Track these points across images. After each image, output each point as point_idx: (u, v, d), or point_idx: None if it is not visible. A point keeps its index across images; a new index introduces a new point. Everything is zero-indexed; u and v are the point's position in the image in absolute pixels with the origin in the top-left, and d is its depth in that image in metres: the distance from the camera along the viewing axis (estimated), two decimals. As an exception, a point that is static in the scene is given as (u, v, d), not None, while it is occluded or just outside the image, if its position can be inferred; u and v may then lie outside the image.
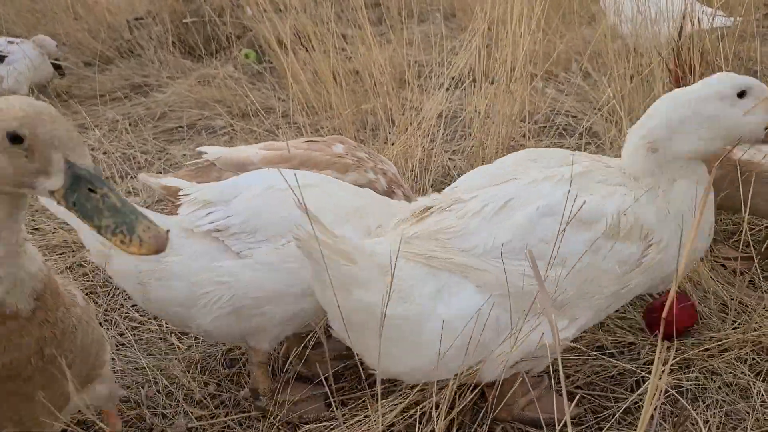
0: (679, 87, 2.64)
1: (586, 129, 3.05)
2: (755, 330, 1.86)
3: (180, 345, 2.07)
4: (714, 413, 1.67)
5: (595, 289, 1.50)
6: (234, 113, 3.81)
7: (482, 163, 2.58)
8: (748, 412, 1.67)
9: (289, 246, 1.61)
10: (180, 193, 1.72)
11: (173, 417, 1.79)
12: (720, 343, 1.86)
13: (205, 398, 1.85)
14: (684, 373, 1.80)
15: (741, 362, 1.82)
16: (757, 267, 2.08)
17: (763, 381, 1.75)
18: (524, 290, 1.44)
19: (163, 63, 4.69)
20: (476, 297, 1.46)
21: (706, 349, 1.85)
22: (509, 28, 2.89)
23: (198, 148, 2.13)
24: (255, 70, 4.44)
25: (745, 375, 1.77)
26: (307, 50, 3.32)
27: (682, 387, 1.76)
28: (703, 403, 1.72)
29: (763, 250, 2.25)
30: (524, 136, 3.20)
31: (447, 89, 3.10)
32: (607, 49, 3.08)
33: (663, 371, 1.05)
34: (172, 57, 4.69)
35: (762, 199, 2.05)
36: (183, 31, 4.93)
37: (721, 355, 1.84)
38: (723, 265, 2.21)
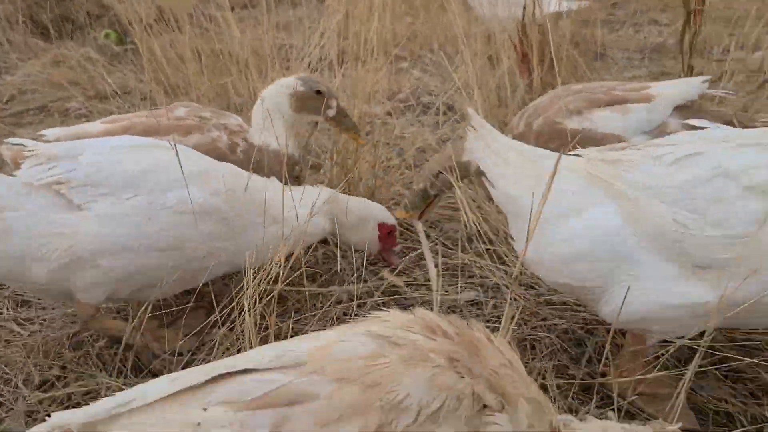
0: (525, 65, 2.84)
1: (443, 104, 3.17)
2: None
3: (21, 332, 1.96)
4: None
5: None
6: (90, 95, 3.62)
7: (342, 141, 2.63)
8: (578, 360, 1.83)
9: (134, 200, 1.64)
10: (25, 150, 1.68)
11: (11, 404, 1.69)
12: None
13: (48, 381, 1.76)
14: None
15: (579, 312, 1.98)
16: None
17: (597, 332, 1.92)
18: (667, 235, 1.48)
19: (12, 43, 4.36)
20: (615, 219, 1.55)
21: (550, 303, 1.99)
22: (371, 12, 2.96)
23: (39, 132, 2.05)
24: (115, 52, 4.23)
25: (584, 327, 1.93)
26: (170, 29, 3.22)
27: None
28: (540, 352, 1.86)
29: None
30: (389, 114, 3.28)
31: (313, 70, 3.13)
32: (465, 32, 3.23)
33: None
34: (21, 37, 4.37)
35: None
36: (35, 10, 4.60)
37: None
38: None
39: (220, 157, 2.02)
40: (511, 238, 1.83)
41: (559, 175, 1.50)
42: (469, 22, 3.57)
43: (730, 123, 2.28)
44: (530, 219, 1.38)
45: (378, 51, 2.85)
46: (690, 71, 2.64)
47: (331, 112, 2.26)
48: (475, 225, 2.23)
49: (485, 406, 0.98)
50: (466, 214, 2.24)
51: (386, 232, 2.14)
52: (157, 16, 3.40)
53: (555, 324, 1.94)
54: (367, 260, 2.28)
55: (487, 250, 2.22)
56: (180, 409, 1.05)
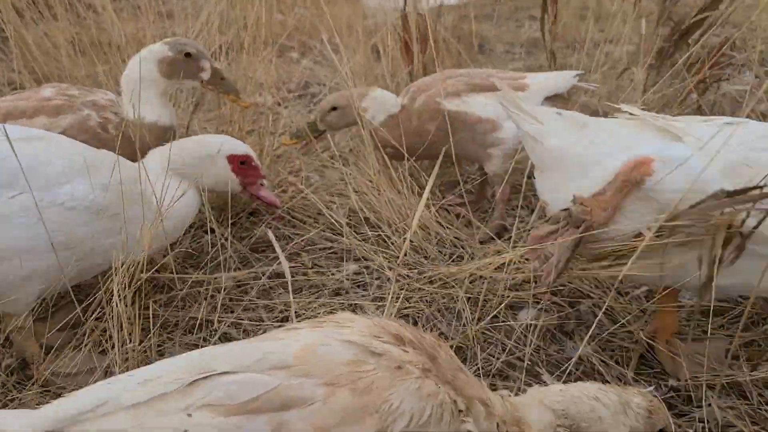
0: (408, 55, 2.93)
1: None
2: (462, 258, 2.14)
3: None
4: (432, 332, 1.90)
5: None
6: (-51, 86, 3.37)
7: (231, 127, 2.62)
8: (454, 325, 1.93)
9: (18, 198, 1.52)
10: None
11: None
12: (439, 274, 2.11)
13: None
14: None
15: (454, 287, 2.08)
16: (469, 210, 2.38)
17: (470, 302, 2.03)
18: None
19: None
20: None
21: (430, 281, 2.09)
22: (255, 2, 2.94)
23: None
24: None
25: (455, 300, 2.03)
26: (43, 17, 3.05)
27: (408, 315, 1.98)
28: (422, 325, 1.95)
29: (475, 198, 2.60)
30: (278, 104, 3.29)
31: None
32: (352, 23, 3.29)
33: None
34: None
35: (468, 143, 2.35)
36: None
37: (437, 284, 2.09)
38: (447, 210, 2.50)
39: (94, 137, 1.94)
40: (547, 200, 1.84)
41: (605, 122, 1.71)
42: (356, 13, 3.63)
43: (596, 112, 2.47)
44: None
45: (265, 40, 2.85)
46: (553, 57, 2.83)
47: (205, 75, 2.13)
48: (360, 210, 2.29)
49: (460, 411, 1.07)
50: (352, 198, 2.30)
51: (239, 163, 1.97)
52: (28, 3, 3.22)
53: (435, 300, 2.03)
54: (251, 248, 2.29)
55: (372, 234, 2.29)
56: (160, 415, 0.99)
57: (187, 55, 2.09)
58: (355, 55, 2.97)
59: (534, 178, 1.87)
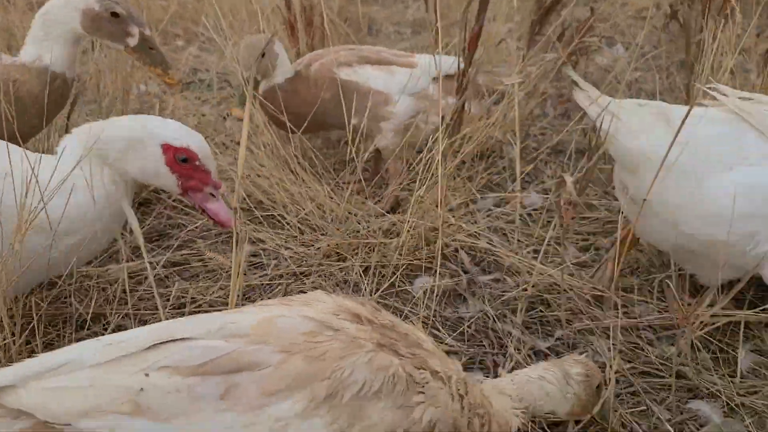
0: (294, 37, 2.94)
1: (219, 78, 3.17)
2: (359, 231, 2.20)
3: None
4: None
5: None
6: None
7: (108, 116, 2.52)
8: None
9: None
10: None
11: None
12: (335, 248, 2.15)
13: None
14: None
15: (350, 260, 2.13)
16: (364, 186, 2.43)
17: (366, 274, 2.08)
18: None
19: None
20: None
21: (327, 255, 2.13)
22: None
23: None
24: None
25: (351, 273, 2.08)
26: None
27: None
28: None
29: (369, 175, 2.65)
30: (164, 92, 3.20)
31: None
32: (236, 7, 3.24)
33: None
34: None
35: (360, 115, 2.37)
36: None
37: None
38: (341, 187, 2.53)
39: None
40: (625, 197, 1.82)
41: (700, 124, 1.56)
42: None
43: (479, 89, 2.59)
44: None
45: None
46: (438, 36, 2.92)
47: (132, 41, 1.91)
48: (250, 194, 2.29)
49: (416, 383, 1.12)
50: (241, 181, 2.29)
51: (175, 158, 1.52)
52: None
53: (333, 273, 2.08)
54: (146, 237, 2.23)
55: (264, 216, 2.30)
56: (118, 373, 1.03)
57: (114, 14, 1.88)
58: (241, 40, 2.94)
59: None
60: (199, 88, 3.35)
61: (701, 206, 1.64)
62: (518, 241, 2.23)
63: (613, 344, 1.76)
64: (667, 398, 1.70)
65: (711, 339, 1.85)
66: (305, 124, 2.34)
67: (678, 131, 1.52)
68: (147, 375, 1.02)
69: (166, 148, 1.52)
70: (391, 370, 1.09)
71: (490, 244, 2.19)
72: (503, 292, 2.02)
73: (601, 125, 1.72)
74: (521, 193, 2.35)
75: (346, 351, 1.07)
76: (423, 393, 1.11)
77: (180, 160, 1.53)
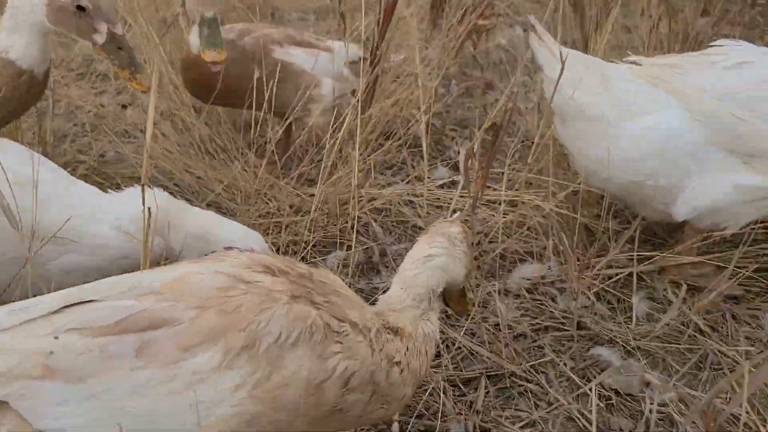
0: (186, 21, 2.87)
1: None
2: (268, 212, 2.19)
3: None
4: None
5: None
6: None
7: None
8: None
9: None
10: None
11: None
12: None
13: None
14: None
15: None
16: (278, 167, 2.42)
17: (279, 251, 2.08)
18: (727, 130, 1.77)
19: None
20: (682, 118, 1.79)
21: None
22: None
23: None
24: None
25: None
26: None
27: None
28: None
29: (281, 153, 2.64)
30: (57, 81, 3.06)
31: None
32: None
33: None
34: None
35: (291, 95, 2.36)
36: None
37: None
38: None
39: None
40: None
41: (624, 80, 1.83)
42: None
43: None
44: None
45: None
46: (342, 20, 2.95)
47: (99, 39, 1.70)
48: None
49: (334, 332, 1.11)
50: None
51: None
52: None
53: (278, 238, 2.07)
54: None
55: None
56: (25, 338, 0.99)
57: (80, 8, 1.68)
58: (141, 26, 2.85)
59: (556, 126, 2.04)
60: (97, 78, 3.22)
61: (615, 151, 1.85)
62: (427, 213, 2.29)
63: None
64: (571, 348, 1.81)
65: (608, 290, 1.97)
66: (222, 97, 2.28)
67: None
68: (56, 338, 0.99)
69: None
70: (309, 320, 1.08)
71: (400, 213, 2.24)
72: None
73: (549, 73, 1.91)
74: (428, 167, 2.41)
75: (261, 305, 1.06)
76: (341, 343, 1.11)
77: None
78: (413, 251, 1.35)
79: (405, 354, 1.22)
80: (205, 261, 1.18)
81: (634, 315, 1.89)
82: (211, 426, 1.00)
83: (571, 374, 1.72)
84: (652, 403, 1.60)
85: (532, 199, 2.18)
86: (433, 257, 1.31)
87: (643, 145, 1.84)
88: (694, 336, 1.84)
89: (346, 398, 1.11)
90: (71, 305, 1.03)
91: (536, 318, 1.90)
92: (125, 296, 1.05)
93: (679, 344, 1.81)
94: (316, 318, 1.09)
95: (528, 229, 2.15)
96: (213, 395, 0.99)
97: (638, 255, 1.89)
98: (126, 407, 0.98)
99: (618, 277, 1.96)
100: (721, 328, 1.88)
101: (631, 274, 1.93)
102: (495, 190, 2.30)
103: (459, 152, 2.70)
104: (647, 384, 1.69)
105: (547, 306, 1.94)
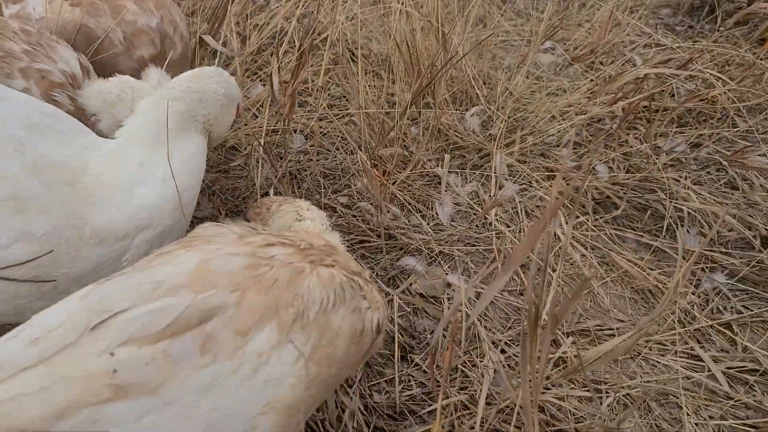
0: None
1: None
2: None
3: None
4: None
5: None
6: None
7: None
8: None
9: None
10: None
11: None
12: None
13: None
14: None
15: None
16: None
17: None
18: None
19: None
20: None
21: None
22: None
23: None
24: None
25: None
26: None
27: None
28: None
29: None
30: None
31: None
32: None
33: None
34: None
35: None
36: None
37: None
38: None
39: None
40: None
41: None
42: None
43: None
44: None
45: None
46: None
47: None
48: None
49: (360, 287, 1.16)
50: None
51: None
52: None
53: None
54: None
55: None
56: (79, 363, 0.89)
57: None
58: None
59: None
60: None
61: None
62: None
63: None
64: (382, 260, 1.92)
65: (416, 201, 2.09)
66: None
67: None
68: (112, 354, 0.90)
69: (239, 106, 1.59)
70: (337, 282, 1.12)
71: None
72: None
73: None
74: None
75: (292, 275, 1.08)
76: (365, 298, 1.17)
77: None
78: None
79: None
80: (200, 245, 1.11)
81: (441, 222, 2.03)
82: (281, 400, 1.01)
83: (382, 284, 1.84)
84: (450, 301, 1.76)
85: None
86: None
87: None
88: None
89: (377, 341, 1.21)
90: (104, 321, 0.94)
91: (352, 233, 1.99)
92: (155, 296, 0.97)
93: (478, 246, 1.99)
94: (340, 277, 1.14)
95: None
96: (279, 370, 1.00)
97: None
98: (204, 405, 0.94)
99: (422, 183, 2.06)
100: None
101: (440, 178, 2.06)
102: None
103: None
104: (449, 285, 1.86)
105: (361, 221, 2.03)
